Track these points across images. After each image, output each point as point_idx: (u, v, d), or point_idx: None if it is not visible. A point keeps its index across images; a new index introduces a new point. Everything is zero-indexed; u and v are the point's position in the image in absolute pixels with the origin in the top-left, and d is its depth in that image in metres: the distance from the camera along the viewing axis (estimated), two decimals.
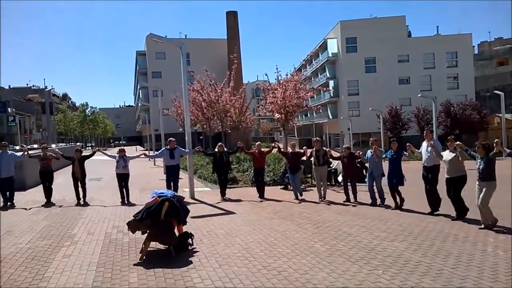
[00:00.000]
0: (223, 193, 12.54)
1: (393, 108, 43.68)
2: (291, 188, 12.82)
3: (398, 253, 6.32)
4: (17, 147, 35.44)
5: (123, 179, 12.15)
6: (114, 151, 14.40)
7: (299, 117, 56.98)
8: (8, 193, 11.88)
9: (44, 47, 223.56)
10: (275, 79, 21.55)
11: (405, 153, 10.44)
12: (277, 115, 21.10)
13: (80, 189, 12.19)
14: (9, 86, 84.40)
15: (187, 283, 5.21)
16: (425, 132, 9.92)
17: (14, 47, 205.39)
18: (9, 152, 12.75)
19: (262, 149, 13.07)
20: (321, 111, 35.41)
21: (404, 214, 9.51)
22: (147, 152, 15.26)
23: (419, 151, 9.87)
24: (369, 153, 11.04)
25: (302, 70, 26.68)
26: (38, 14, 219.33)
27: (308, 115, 65.05)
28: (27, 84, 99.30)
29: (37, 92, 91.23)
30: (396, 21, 52.19)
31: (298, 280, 5.22)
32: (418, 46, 51.74)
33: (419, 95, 34.66)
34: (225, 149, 13.05)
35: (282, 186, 14.51)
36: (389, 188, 10.31)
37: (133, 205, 11.43)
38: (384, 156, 11.00)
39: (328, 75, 55.86)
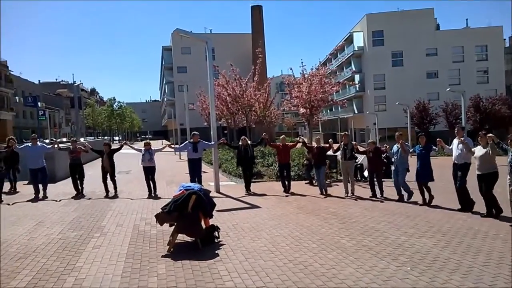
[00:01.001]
0: (247, 187, 12.59)
1: (420, 103, 42.80)
2: (316, 183, 12.76)
3: (426, 250, 6.22)
4: (47, 141, 36.43)
5: (149, 172, 12.33)
6: (140, 145, 14.65)
7: (324, 112, 56.48)
8: (40, 184, 12.25)
9: (72, 42, 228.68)
10: (300, 73, 21.44)
11: (434, 148, 10.22)
12: (302, 110, 20.99)
13: (109, 182, 12.44)
14: (39, 81, 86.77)
15: (214, 276, 5.27)
16: (456, 129, 9.68)
17: (43, 43, 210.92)
18: (39, 144, 13.13)
19: (287, 143, 13.03)
20: (346, 105, 34.98)
21: (432, 211, 9.33)
22: (171, 145, 15.47)
23: (450, 147, 9.66)
24: (395, 147, 10.88)
25: (328, 64, 26.45)
26: (66, 11, 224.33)
27: (333, 110, 64.47)
28: (56, 79, 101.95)
29: (66, 87, 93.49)
30: (424, 14, 50.99)
31: (324, 275, 5.21)
32: (446, 39, 50.47)
33: (448, 89, 33.87)
34: (249, 142, 13.06)
35: (307, 181, 14.45)
36: (417, 184, 10.14)
37: (159, 198, 11.62)
38: (412, 150, 10.80)
39: (354, 69, 55.19)
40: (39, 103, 55.91)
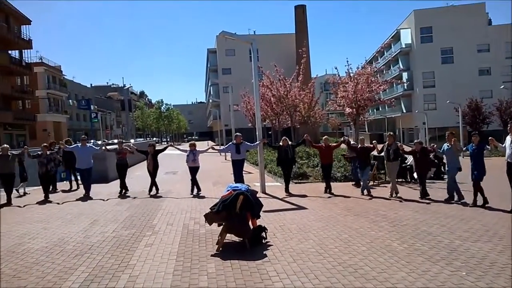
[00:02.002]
0: (286, 188, 12.62)
1: (473, 101, 40.98)
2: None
3: (482, 255, 5.95)
4: (99, 142, 38.02)
5: (193, 171, 12.64)
6: (187, 145, 14.94)
7: (370, 111, 55.32)
8: (85, 183, 12.85)
9: (122, 47, 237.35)
10: (345, 72, 21.10)
11: (487, 147, 9.82)
12: (348, 110, 20.63)
13: (152, 182, 12.84)
14: (91, 84, 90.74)
15: (263, 276, 5.29)
16: (509, 125, 9.24)
17: (95, 48, 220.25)
18: (88, 145, 13.75)
19: (330, 144, 12.92)
20: (394, 104, 34.01)
21: (487, 213, 8.91)
22: (215, 146, 15.78)
23: (503, 145, 9.23)
24: (445, 146, 10.55)
25: (374, 63, 25.82)
26: (116, 17, 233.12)
27: (380, 109, 63.04)
28: (107, 83, 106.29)
29: (116, 90, 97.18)
30: (474, 9, 48.85)
31: (375, 279, 5.10)
32: (499, 34, 47.99)
33: (502, 86, 32.25)
34: (290, 143, 13.08)
35: (353, 182, 14.22)
36: (472, 184, 9.76)
37: (204, 197, 11.87)
38: (464, 149, 10.43)
39: (401, 67, 53.67)
40: (91, 106, 58.40)
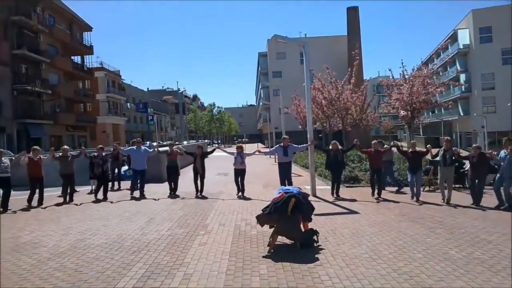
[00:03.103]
0: (333, 192, 12.51)
1: None
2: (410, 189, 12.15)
3: None
4: (155, 144, 39.35)
5: (240, 173, 12.87)
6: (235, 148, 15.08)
7: (425, 114, 53.34)
8: (140, 184, 13.30)
9: (177, 52, 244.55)
10: (400, 74, 20.57)
11: None
12: (402, 112, 20.09)
13: (199, 183, 13.13)
14: (148, 88, 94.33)
15: (315, 280, 5.28)
16: None
17: (152, 54, 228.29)
18: (143, 148, 14.25)
19: (379, 148, 12.65)
20: (451, 107, 32.57)
21: None
22: (261, 149, 15.96)
23: None
24: (502, 153, 10.10)
25: (430, 64, 24.81)
26: (170, 22, 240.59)
27: (436, 112, 60.58)
28: (162, 87, 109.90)
29: (171, 94, 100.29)
30: None
31: (432, 287, 4.94)
32: None
33: None
34: (340, 147, 12.94)
35: (396, 187, 13.79)
36: None
37: (250, 199, 12.07)
38: None
39: (459, 69, 51.32)
40: (148, 109, 60.62)
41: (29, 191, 11.96)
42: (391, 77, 21.43)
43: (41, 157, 12.28)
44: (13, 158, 13.02)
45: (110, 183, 14.21)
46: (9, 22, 36.46)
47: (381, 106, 26.26)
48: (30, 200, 11.83)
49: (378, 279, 5.27)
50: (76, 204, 11.98)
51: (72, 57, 48.84)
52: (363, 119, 28.56)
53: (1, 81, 34.91)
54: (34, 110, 39.61)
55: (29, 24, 38.00)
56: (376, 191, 12.24)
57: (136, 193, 13.15)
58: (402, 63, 20.29)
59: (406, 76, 19.78)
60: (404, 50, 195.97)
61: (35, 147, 12.46)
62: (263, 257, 6.27)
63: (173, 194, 13.15)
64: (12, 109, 36.39)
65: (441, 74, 53.00)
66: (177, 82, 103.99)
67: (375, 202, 11.45)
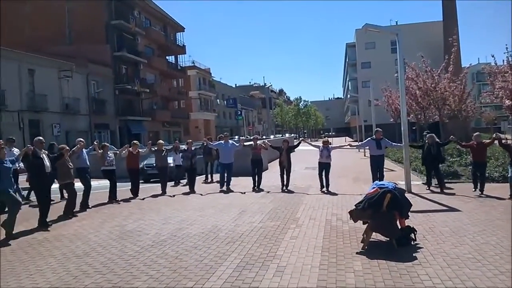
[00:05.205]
0: (429, 186, 12.08)
1: None
2: None
3: None
4: (242, 137, 40.45)
5: (324, 167, 12.66)
6: (320, 142, 14.87)
7: None
8: (228, 177, 13.69)
9: (263, 47, 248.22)
10: (504, 60, 18.73)
11: None
12: (507, 102, 18.30)
13: (285, 177, 13.12)
14: (235, 84, 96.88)
15: (414, 279, 5.02)
16: None
17: (240, 50, 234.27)
18: (230, 142, 14.65)
19: (482, 141, 11.71)
20: None
21: None
22: (352, 143, 15.64)
23: None
24: None
25: None
26: (257, 18, 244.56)
27: None
28: (249, 82, 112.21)
29: (258, 89, 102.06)
30: None
31: None
32: None
33: None
34: (437, 140, 12.20)
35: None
36: None
37: (336, 194, 11.82)
38: None
39: None
40: (237, 105, 62.48)
41: (129, 182, 12.90)
42: (493, 64, 19.64)
43: (139, 150, 13.23)
44: (117, 152, 14.16)
45: (203, 176, 14.87)
46: (110, 26, 39.70)
47: (482, 95, 24.12)
48: (134, 191, 12.75)
49: (484, 281, 4.88)
50: (170, 196, 12.69)
51: (167, 57, 51.87)
52: (462, 110, 26.53)
53: (105, 81, 38.23)
54: (134, 107, 42.81)
55: (127, 27, 41.08)
56: (478, 186, 11.35)
57: (224, 187, 13.58)
58: (507, 48, 18.26)
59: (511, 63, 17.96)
60: (508, 33, 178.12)
61: (134, 141, 13.44)
62: (357, 253, 6.12)
63: (256, 188, 13.36)
64: (115, 107, 39.67)
65: None
66: (264, 77, 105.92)
67: (477, 199, 10.59)
